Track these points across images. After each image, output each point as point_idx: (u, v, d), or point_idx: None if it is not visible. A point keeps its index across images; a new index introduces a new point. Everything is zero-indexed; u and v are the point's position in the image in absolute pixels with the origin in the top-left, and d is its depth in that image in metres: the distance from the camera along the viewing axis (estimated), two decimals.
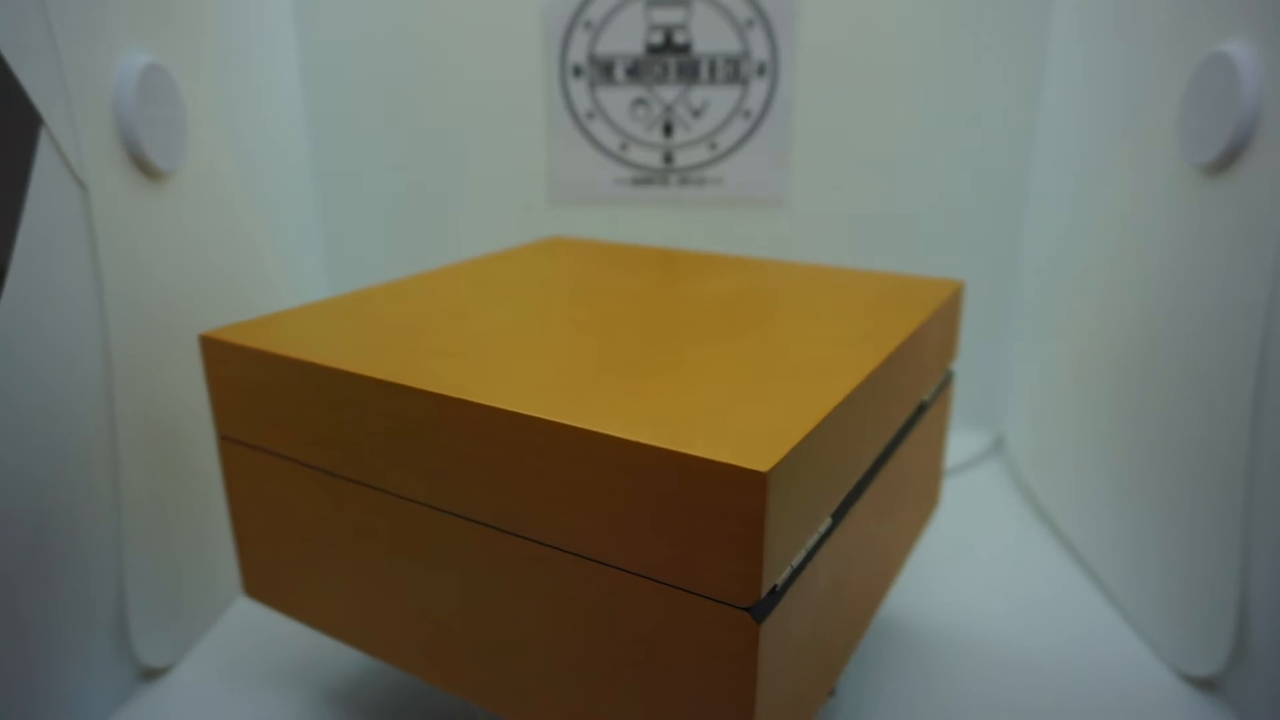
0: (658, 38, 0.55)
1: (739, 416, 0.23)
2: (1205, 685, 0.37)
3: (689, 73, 0.56)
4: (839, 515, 0.26)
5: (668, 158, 0.58)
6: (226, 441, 0.31)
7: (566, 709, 0.25)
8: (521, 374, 0.26)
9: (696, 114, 0.57)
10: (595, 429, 0.22)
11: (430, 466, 0.26)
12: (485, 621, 0.26)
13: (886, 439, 0.30)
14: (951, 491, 0.55)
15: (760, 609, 0.21)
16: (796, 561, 0.23)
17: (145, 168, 0.36)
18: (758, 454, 0.20)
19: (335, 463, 0.28)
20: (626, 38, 0.55)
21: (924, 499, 0.38)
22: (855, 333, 0.30)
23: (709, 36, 0.55)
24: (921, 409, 0.34)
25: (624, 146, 0.58)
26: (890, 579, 0.34)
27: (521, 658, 0.26)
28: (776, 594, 0.22)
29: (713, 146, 0.57)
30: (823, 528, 0.25)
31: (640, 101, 0.56)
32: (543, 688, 0.26)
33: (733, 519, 0.20)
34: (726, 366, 0.26)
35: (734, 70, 0.56)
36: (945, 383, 0.32)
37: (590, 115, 0.57)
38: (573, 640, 0.24)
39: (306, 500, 0.29)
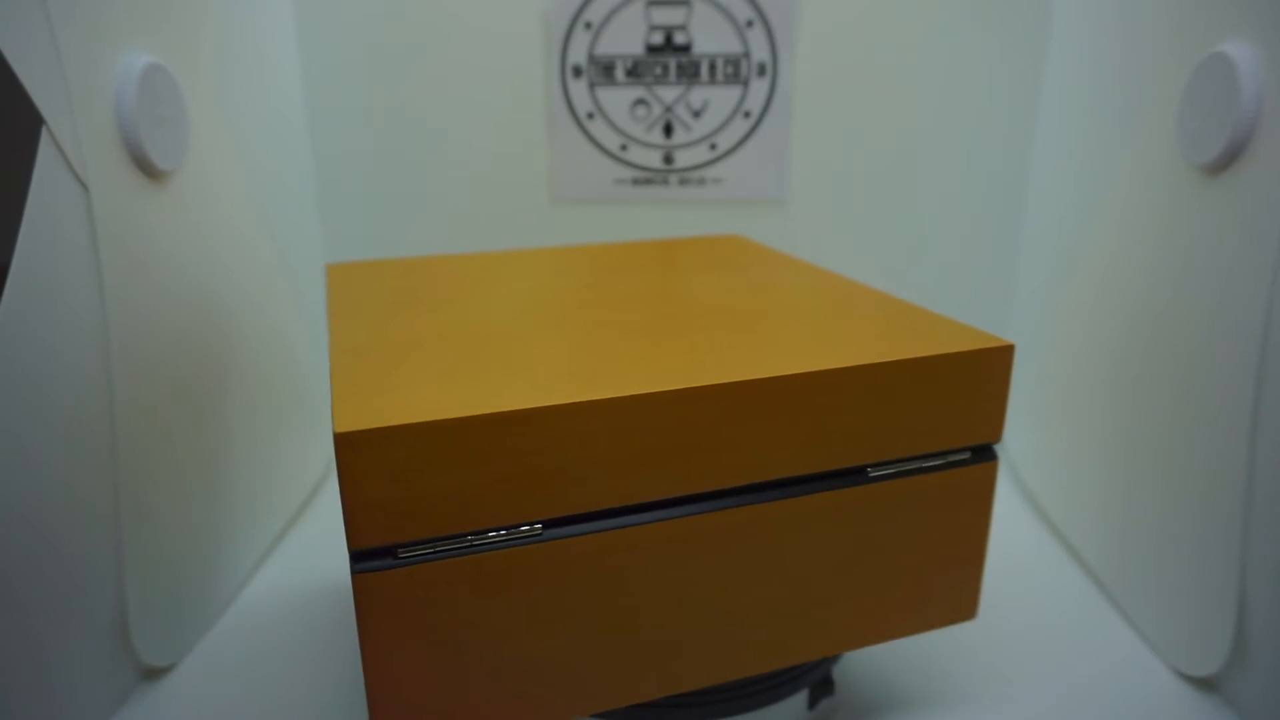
0: (658, 38, 0.55)
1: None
2: (1205, 685, 0.37)
3: (689, 73, 0.56)
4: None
5: (668, 158, 0.58)
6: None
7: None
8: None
9: (696, 114, 0.57)
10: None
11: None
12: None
13: (750, 471, 0.27)
14: None
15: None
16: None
17: (146, 167, 0.36)
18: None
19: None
20: (627, 38, 0.55)
21: (916, 593, 0.31)
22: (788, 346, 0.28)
23: (709, 37, 0.55)
24: (897, 475, 0.29)
25: (624, 147, 0.58)
26: (781, 651, 0.29)
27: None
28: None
29: (713, 147, 0.57)
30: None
31: (640, 102, 0.57)
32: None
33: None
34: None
35: (734, 70, 0.56)
36: (966, 461, 0.27)
37: (590, 115, 0.57)
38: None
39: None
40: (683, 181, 0.58)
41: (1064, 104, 0.52)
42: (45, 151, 0.31)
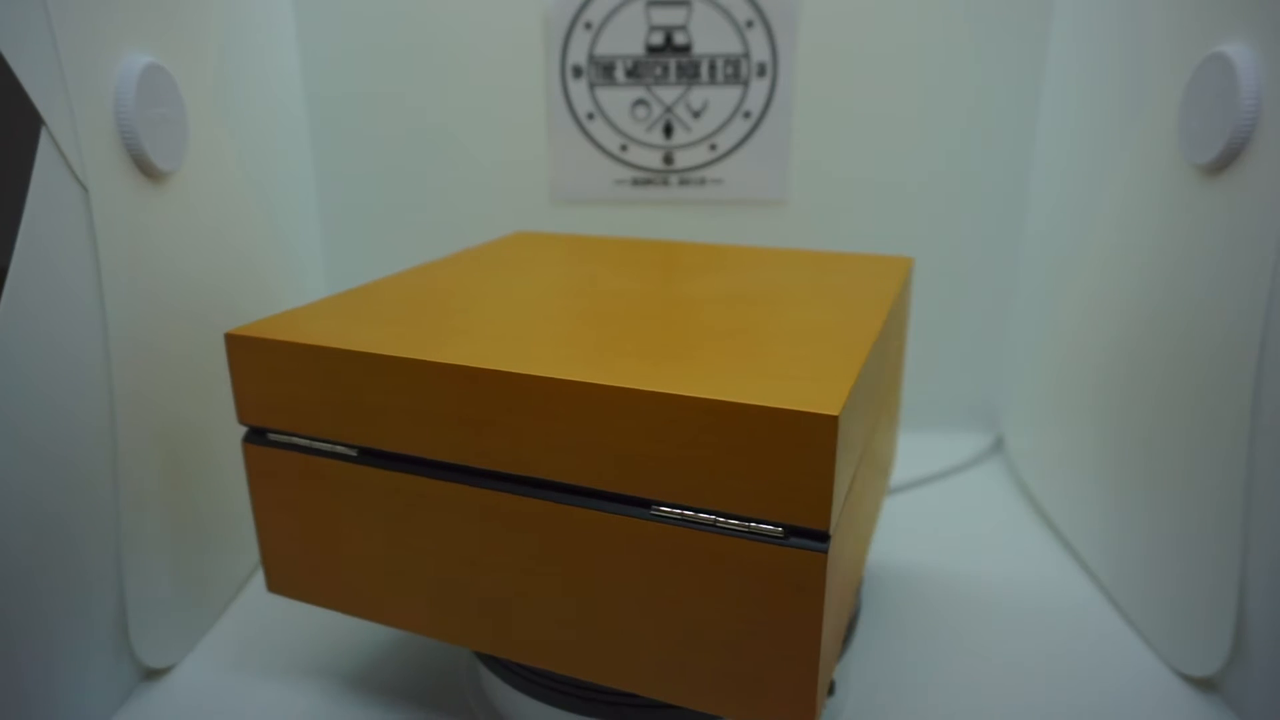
0: (658, 38, 0.55)
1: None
2: (1204, 685, 0.37)
3: (689, 73, 0.56)
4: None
5: (668, 158, 0.58)
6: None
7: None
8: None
9: (696, 115, 0.57)
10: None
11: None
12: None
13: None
14: (951, 491, 0.55)
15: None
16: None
17: (146, 168, 0.36)
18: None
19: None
20: (627, 38, 0.55)
21: (730, 675, 0.30)
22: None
23: (709, 37, 0.55)
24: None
25: (624, 147, 0.58)
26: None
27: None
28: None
29: (713, 147, 0.57)
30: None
31: (640, 102, 0.57)
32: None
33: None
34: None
35: (734, 71, 0.56)
36: (779, 539, 0.25)
37: (590, 116, 0.57)
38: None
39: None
40: (683, 182, 0.58)
41: (1064, 104, 0.52)
42: (45, 151, 0.31)
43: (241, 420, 0.31)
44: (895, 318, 0.35)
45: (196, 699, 0.37)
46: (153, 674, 0.38)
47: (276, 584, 0.33)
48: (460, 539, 0.28)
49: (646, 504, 0.26)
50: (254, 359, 0.30)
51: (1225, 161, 0.35)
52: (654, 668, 0.27)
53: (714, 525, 0.25)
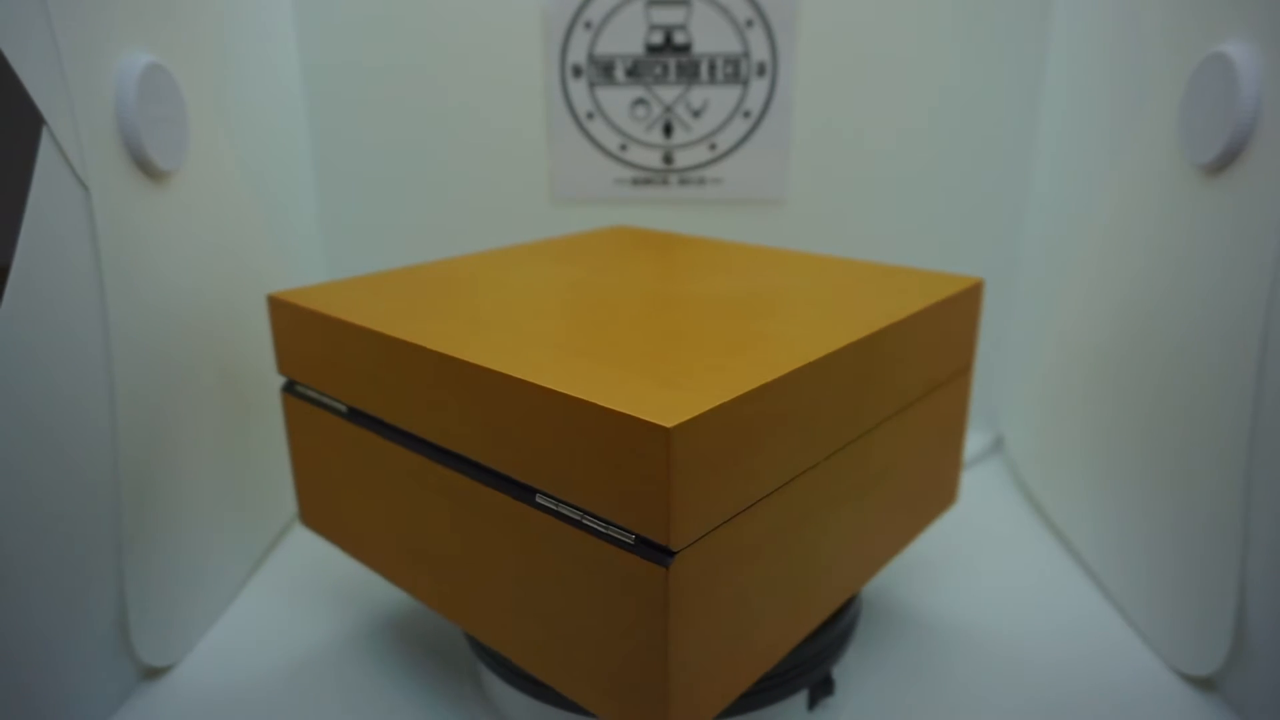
0: (658, 38, 0.55)
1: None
2: (1204, 684, 0.37)
3: (689, 73, 0.56)
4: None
5: (668, 158, 0.58)
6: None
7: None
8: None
9: (696, 114, 0.57)
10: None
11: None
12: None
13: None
14: None
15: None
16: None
17: (146, 167, 0.36)
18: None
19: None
20: (626, 38, 0.55)
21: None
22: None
23: (709, 36, 0.55)
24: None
25: (624, 147, 0.58)
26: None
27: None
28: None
29: (712, 147, 0.57)
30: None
31: (640, 101, 0.57)
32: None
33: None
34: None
35: (734, 70, 0.56)
36: (629, 546, 0.25)
37: (590, 115, 0.57)
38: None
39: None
40: (683, 181, 0.58)
41: (1064, 104, 0.52)
42: (45, 152, 0.31)
43: (279, 371, 0.36)
44: (898, 337, 0.31)
45: (196, 699, 0.37)
46: (153, 674, 0.38)
47: (305, 517, 0.38)
48: (404, 496, 0.31)
49: (531, 491, 0.26)
50: (282, 319, 0.34)
51: (1225, 161, 0.35)
52: (535, 648, 0.28)
53: (580, 522, 0.25)
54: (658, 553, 0.23)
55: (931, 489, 0.38)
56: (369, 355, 0.31)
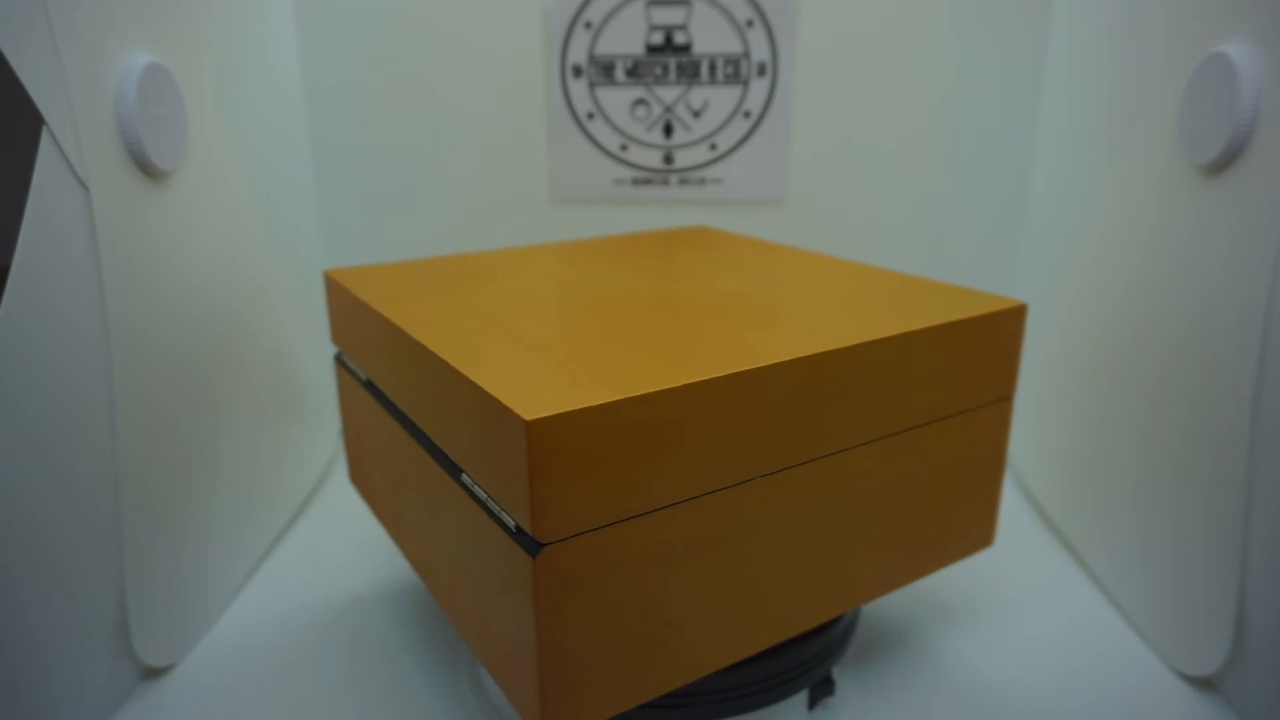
0: (658, 38, 0.55)
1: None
2: (1204, 684, 0.37)
3: (689, 73, 0.56)
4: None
5: (668, 158, 0.58)
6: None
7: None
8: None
9: (696, 114, 0.57)
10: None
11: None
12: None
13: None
14: None
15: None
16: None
17: (146, 167, 0.36)
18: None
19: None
20: (626, 38, 0.55)
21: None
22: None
23: (709, 37, 0.55)
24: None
25: (624, 147, 0.58)
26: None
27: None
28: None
29: (713, 147, 0.57)
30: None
31: (640, 102, 0.57)
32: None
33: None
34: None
35: (734, 70, 0.56)
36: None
37: (590, 115, 0.57)
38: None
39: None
40: (683, 181, 0.58)
41: (1064, 104, 0.52)
42: (45, 151, 0.31)
43: (332, 341, 0.40)
44: (864, 358, 0.29)
45: (196, 699, 0.37)
46: (153, 674, 0.38)
47: (352, 475, 0.42)
48: (395, 464, 0.35)
49: (459, 470, 0.28)
50: (331, 295, 0.38)
51: (1225, 161, 0.35)
52: (474, 628, 0.29)
53: (484, 504, 0.26)
54: (529, 542, 0.24)
55: (951, 526, 0.34)
56: (373, 332, 0.33)
